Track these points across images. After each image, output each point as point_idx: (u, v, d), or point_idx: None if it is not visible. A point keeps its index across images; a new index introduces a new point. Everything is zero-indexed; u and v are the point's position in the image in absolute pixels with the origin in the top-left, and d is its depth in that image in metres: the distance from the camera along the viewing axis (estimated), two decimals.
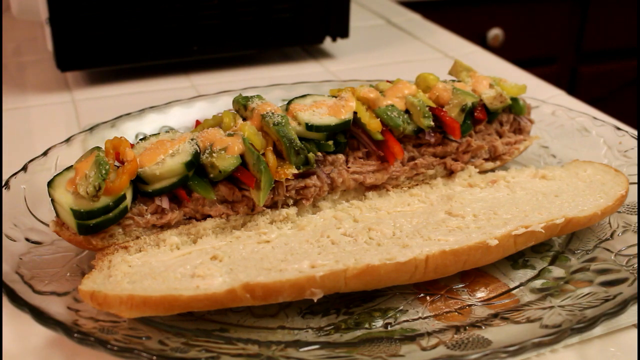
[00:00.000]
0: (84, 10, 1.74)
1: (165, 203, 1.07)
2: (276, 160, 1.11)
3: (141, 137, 1.33)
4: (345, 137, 1.20)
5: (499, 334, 0.93)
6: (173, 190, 1.07)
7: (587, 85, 3.36)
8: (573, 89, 3.30)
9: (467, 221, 1.08)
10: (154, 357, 0.84)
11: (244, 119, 1.18)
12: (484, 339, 0.92)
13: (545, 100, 1.58)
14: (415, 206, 1.17)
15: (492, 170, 1.33)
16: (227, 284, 0.92)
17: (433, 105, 1.26)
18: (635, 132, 1.39)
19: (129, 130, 1.46)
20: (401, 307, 1.02)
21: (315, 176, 1.16)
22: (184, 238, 1.08)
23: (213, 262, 0.99)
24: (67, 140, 1.35)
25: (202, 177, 1.09)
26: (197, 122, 1.26)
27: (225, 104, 1.54)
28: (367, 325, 0.98)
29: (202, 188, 1.08)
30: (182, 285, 0.93)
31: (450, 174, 1.30)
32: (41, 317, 0.89)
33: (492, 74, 1.45)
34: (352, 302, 1.03)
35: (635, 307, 0.98)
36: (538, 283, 1.06)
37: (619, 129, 1.39)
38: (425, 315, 1.00)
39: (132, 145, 1.11)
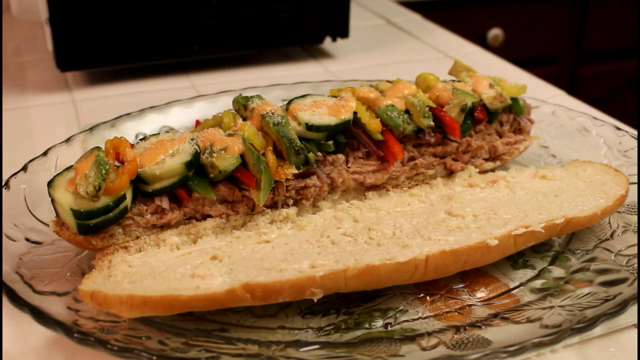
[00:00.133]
0: (84, 10, 1.74)
1: (165, 203, 1.07)
2: (276, 160, 1.11)
3: (141, 137, 1.33)
4: (345, 137, 1.20)
5: (499, 334, 0.93)
6: (173, 190, 1.07)
7: (587, 85, 3.36)
8: (573, 89, 3.30)
9: (467, 221, 1.08)
10: (154, 357, 0.84)
11: (244, 119, 1.18)
12: (484, 339, 0.92)
13: (545, 100, 1.58)
14: (415, 206, 1.17)
15: (492, 170, 1.33)
16: (227, 284, 0.92)
17: (433, 105, 1.26)
18: (635, 132, 1.39)
19: (129, 130, 1.46)
20: (401, 307, 1.02)
21: (315, 176, 1.16)
22: (184, 238, 1.08)
23: (213, 262, 0.99)
24: (67, 140, 1.35)
25: (202, 177, 1.09)
26: (197, 122, 1.26)
27: (225, 104, 1.54)
28: (367, 325, 0.98)
29: (202, 188, 1.08)
30: (182, 285, 0.93)
31: (450, 174, 1.30)
32: (41, 317, 0.89)
33: (492, 74, 1.45)
34: (352, 302, 1.03)
35: (635, 307, 0.98)
36: (538, 283, 1.06)
37: (619, 129, 1.39)
38: (425, 315, 1.00)
39: (132, 145, 1.11)
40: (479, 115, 1.29)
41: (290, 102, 1.22)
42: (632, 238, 1.12)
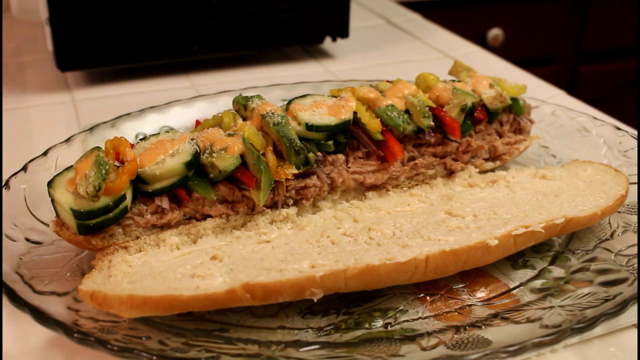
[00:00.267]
0: (84, 10, 1.74)
1: (165, 203, 1.07)
2: (276, 160, 1.11)
3: (141, 137, 1.33)
4: (345, 137, 1.20)
5: (499, 334, 0.93)
6: (173, 190, 1.07)
7: (587, 85, 3.36)
8: (573, 89, 3.30)
9: (467, 221, 1.08)
10: (154, 357, 0.84)
11: (244, 119, 1.18)
12: (484, 339, 0.92)
13: (545, 100, 1.58)
14: (415, 206, 1.17)
15: (492, 170, 1.33)
16: (227, 284, 0.92)
17: (433, 105, 1.26)
18: (635, 132, 1.39)
19: (129, 130, 1.46)
20: (401, 307, 1.02)
21: (315, 176, 1.16)
22: (184, 238, 1.08)
23: (213, 262, 0.99)
24: (67, 140, 1.35)
25: (202, 177, 1.09)
26: (197, 122, 1.26)
27: (225, 104, 1.54)
28: (367, 325, 0.98)
29: (202, 188, 1.08)
30: (182, 285, 0.93)
31: (450, 174, 1.30)
32: (41, 317, 0.89)
33: (492, 74, 1.45)
34: (352, 302, 1.03)
35: (635, 307, 0.98)
36: (538, 283, 1.06)
37: (619, 129, 1.39)
38: (425, 315, 1.00)
39: (132, 145, 1.11)
40: (479, 115, 1.29)
41: (290, 102, 1.22)
42: (632, 238, 1.12)
